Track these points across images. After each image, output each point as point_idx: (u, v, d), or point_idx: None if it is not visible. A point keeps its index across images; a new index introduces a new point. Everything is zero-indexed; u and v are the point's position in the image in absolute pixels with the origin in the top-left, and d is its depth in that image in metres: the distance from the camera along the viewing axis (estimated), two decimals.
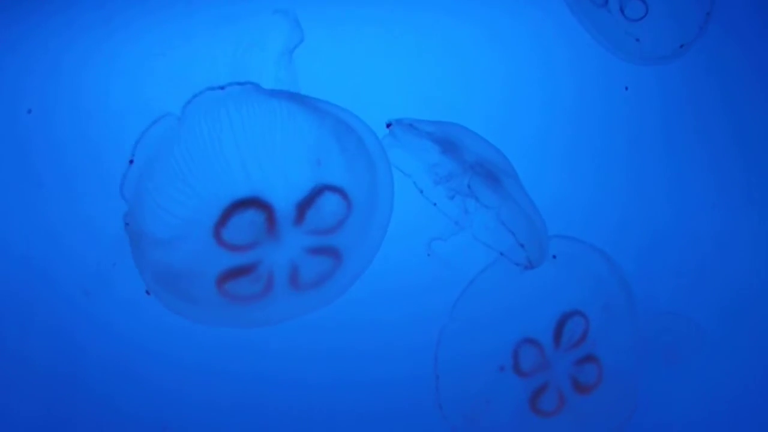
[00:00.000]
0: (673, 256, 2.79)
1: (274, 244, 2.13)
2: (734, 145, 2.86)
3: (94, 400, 2.52)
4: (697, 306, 2.77)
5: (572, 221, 2.52)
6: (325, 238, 2.17)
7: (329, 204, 2.15)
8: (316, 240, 2.16)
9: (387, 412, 2.56)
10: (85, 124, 2.47)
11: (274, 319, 2.26)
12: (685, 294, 2.77)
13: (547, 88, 2.68)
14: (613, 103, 2.72)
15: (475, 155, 2.23)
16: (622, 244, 2.59)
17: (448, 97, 2.60)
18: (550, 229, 2.28)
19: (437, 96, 2.58)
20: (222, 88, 2.05)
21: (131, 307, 2.39)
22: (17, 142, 2.50)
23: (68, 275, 2.46)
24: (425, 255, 2.31)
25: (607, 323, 2.43)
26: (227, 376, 2.51)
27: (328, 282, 2.22)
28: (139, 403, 2.52)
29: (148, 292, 2.15)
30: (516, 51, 2.66)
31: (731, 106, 2.86)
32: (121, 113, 2.44)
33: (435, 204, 2.24)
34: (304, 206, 2.12)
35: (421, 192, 2.24)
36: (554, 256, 2.34)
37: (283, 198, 2.11)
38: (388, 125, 2.19)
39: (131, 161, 2.05)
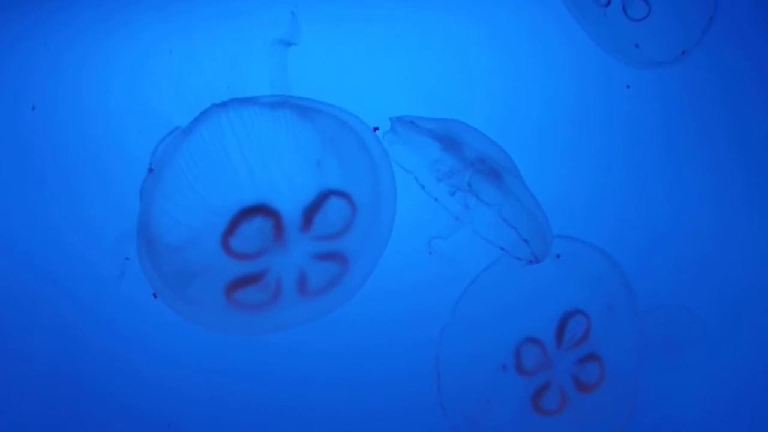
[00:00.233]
0: (673, 255, 2.78)
1: (282, 251, 2.14)
2: (734, 144, 2.86)
3: (97, 398, 2.52)
4: (697, 304, 2.76)
5: (573, 219, 2.52)
6: (332, 243, 2.19)
7: (335, 207, 2.16)
8: (322, 246, 2.18)
9: (388, 410, 2.56)
10: (85, 122, 2.47)
11: (282, 327, 2.29)
12: (685, 292, 2.77)
13: (548, 86, 2.68)
14: (613, 100, 2.72)
15: (476, 152, 2.23)
16: (622, 243, 2.59)
17: (449, 94, 2.60)
18: (550, 227, 2.29)
19: (438, 93, 2.58)
20: (224, 104, 2.08)
21: (134, 305, 2.39)
22: (18, 140, 2.50)
23: (70, 272, 2.46)
24: (427, 253, 2.31)
25: (608, 322, 2.43)
26: (230, 373, 2.51)
27: (335, 288, 2.23)
28: (142, 400, 2.52)
29: (155, 295, 2.16)
30: (516, 48, 2.66)
31: (731, 105, 2.86)
32: (121, 111, 2.44)
33: (436, 199, 2.24)
34: (311, 211, 2.14)
35: (423, 188, 2.24)
36: (558, 256, 2.34)
37: (290, 204, 2.13)
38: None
39: (151, 169, 2.08)
